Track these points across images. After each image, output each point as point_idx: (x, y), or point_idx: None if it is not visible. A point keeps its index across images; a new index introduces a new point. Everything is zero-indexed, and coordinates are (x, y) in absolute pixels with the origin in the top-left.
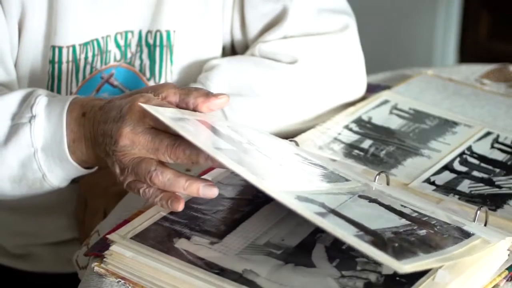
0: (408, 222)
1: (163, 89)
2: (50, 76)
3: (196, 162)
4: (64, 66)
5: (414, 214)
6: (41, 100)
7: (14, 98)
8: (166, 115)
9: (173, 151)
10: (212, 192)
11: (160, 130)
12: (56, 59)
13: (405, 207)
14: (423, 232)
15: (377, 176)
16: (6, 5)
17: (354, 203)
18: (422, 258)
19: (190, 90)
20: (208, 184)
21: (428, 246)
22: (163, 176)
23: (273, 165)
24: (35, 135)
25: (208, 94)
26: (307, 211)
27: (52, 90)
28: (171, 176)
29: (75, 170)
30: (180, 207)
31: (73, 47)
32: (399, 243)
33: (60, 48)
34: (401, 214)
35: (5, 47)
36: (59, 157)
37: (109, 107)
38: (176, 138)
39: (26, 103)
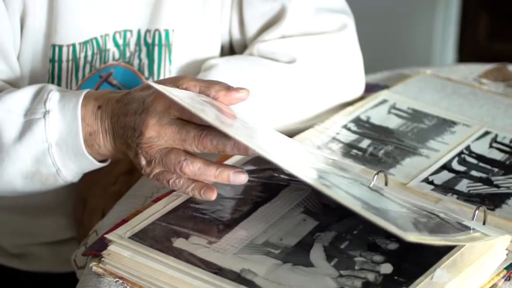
0: (408, 211)
1: (183, 81)
2: (50, 75)
3: (223, 151)
4: (64, 65)
5: (414, 209)
6: (54, 95)
7: (25, 94)
8: (181, 96)
9: (200, 141)
10: (241, 178)
11: (186, 120)
12: (56, 57)
13: (404, 202)
14: (424, 220)
15: (376, 176)
16: (9, 2)
17: (356, 187)
18: (426, 235)
19: (211, 83)
20: (237, 171)
21: (431, 229)
22: (193, 166)
23: (282, 147)
24: (50, 130)
25: (229, 88)
26: (317, 182)
27: None
28: (201, 165)
29: (90, 164)
30: (214, 196)
31: (73, 45)
32: (403, 221)
33: (61, 47)
34: (401, 205)
35: (9, 45)
36: (74, 151)
37: (127, 99)
38: (203, 128)
39: (38, 98)
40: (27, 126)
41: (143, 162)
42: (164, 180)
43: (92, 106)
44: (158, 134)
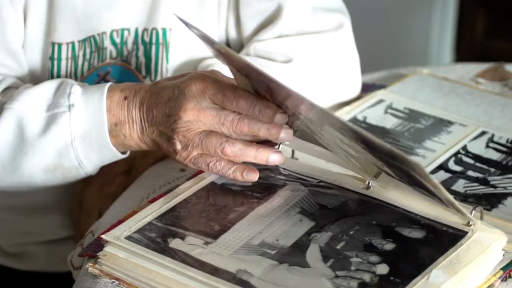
0: None
1: (213, 74)
2: (50, 73)
3: (257, 135)
4: (63, 63)
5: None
6: (76, 89)
7: (46, 89)
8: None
9: (237, 125)
10: (278, 159)
11: (220, 105)
12: (56, 55)
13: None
14: None
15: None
16: (13, 0)
17: None
18: None
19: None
20: (275, 151)
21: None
22: (234, 146)
23: None
24: (74, 123)
25: None
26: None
27: None
28: (242, 146)
29: (112, 155)
30: (256, 177)
31: (72, 43)
32: None
33: (60, 45)
34: None
35: (17, 42)
36: (98, 143)
37: (157, 89)
38: (239, 113)
39: (59, 93)
40: (51, 119)
41: (179, 146)
42: (202, 164)
43: (117, 97)
44: (196, 118)
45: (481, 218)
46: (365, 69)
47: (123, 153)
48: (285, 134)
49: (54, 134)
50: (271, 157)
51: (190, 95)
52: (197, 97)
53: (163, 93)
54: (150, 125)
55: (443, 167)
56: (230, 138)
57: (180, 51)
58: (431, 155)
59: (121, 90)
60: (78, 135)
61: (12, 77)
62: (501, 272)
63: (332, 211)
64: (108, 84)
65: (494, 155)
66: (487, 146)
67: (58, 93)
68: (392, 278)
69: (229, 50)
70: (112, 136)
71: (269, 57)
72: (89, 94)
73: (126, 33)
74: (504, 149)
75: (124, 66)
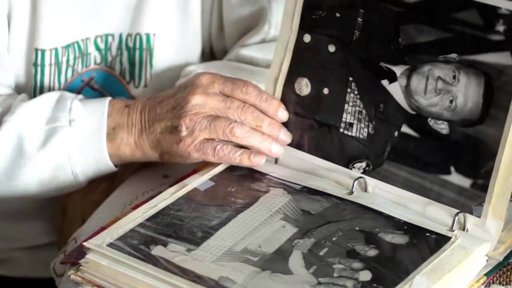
0: None
1: None
2: (34, 79)
3: (260, 127)
4: (46, 69)
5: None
6: (77, 104)
7: (45, 103)
8: None
9: (243, 111)
10: (280, 150)
11: (228, 94)
12: (39, 62)
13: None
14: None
15: (355, 182)
16: None
17: None
18: None
19: None
20: (276, 142)
21: None
22: (243, 128)
23: None
24: (74, 137)
25: None
26: None
27: (35, 93)
28: (249, 129)
29: (105, 166)
30: (263, 160)
31: (56, 49)
32: None
33: (43, 51)
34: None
35: (3, 49)
36: (94, 151)
37: (161, 94)
38: (244, 102)
39: (58, 106)
40: (50, 133)
41: (184, 133)
42: (208, 148)
43: (119, 105)
44: (203, 102)
45: (465, 224)
46: None
47: (116, 166)
48: (284, 135)
49: (53, 147)
50: (274, 147)
51: (199, 83)
52: (205, 85)
53: (168, 93)
54: (151, 124)
55: None
56: (238, 121)
57: (164, 57)
58: None
59: (122, 100)
60: (77, 149)
61: (2, 85)
62: (484, 278)
63: (315, 217)
64: (109, 98)
65: None
66: None
67: (57, 106)
68: (374, 284)
69: None
70: (109, 140)
71: (252, 62)
72: (91, 108)
73: (110, 38)
74: None
75: (108, 72)
